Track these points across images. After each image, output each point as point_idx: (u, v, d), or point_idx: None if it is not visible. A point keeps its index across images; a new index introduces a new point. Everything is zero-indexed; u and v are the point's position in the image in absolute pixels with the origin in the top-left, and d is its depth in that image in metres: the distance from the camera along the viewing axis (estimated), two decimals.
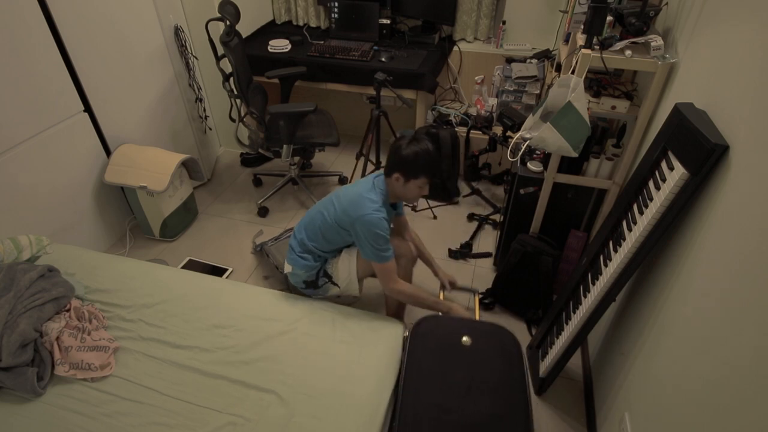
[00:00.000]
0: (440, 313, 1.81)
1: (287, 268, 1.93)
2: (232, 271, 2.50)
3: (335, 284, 1.89)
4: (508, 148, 2.05)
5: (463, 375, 1.49)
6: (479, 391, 1.45)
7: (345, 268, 1.86)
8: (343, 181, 3.18)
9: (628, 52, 1.65)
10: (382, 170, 1.81)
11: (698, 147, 1.20)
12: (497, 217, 2.83)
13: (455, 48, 3.09)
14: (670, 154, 1.36)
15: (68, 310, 1.67)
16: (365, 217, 1.67)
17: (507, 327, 1.65)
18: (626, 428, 1.44)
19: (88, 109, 2.33)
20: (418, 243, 2.09)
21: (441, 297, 2.07)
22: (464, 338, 1.58)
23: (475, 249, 2.63)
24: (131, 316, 1.74)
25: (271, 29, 3.34)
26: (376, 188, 1.75)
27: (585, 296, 1.67)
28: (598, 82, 1.91)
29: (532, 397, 1.92)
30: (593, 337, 2.02)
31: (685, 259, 1.28)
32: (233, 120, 2.77)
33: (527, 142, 1.79)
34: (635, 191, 1.53)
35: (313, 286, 1.90)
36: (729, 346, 1.01)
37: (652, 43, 1.62)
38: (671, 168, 1.33)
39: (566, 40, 2.21)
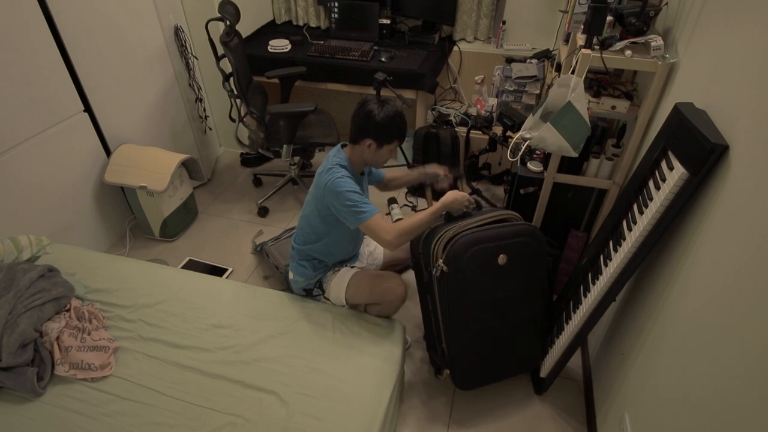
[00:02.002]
0: (444, 214, 1.70)
1: (290, 275, 1.92)
2: (232, 271, 2.50)
3: (326, 299, 1.87)
4: (508, 148, 2.05)
5: (500, 294, 1.65)
6: (518, 303, 1.69)
7: (336, 288, 1.82)
8: None
9: (628, 52, 1.65)
10: (338, 146, 1.77)
11: (698, 147, 1.20)
12: None
13: (455, 48, 3.09)
14: (670, 154, 1.36)
15: (68, 310, 1.67)
16: (327, 185, 1.64)
17: None
18: (626, 428, 1.44)
19: (88, 109, 2.33)
20: (393, 177, 2.01)
21: (429, 196, 1.99)
22: (500, 257, 1.59)
23: None
24: (131, 316, 1.73)
25: (271, 29, 3.34)
26: (333, 161, 1.70)
27: (585, 296, 1.67)
28: (598, 82, 1.91)
29: (534, 397, 1.93)
30: (593, 337, 2.02)
31: (685, 259, 1.28)
32: (233, 120, 2.77)
33: (527, 142, 1.79)
34: (635, 191, 1.53)
35: (309, 295, 1.90)
36: (729, 346, 1.01)
37: (652, 43, 1.62)
38: (671, 168, 1.33)
39: (566, 40, 2.21)
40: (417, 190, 3.00)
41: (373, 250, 2.07)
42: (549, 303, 1.82)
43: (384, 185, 2.03)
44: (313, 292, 1.88)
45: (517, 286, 1.67)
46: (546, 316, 1.80)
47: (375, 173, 1.97)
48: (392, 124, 1.65)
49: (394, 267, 2.11)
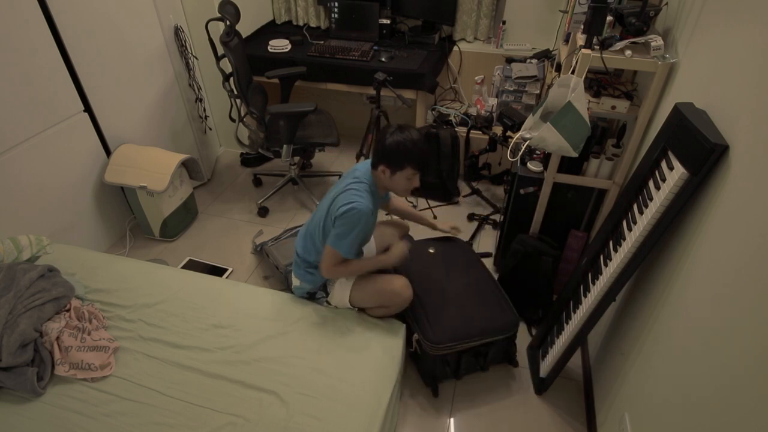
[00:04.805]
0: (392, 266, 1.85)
1: (295, 282, 1.89)
2: (232, 271, 2.50)
3: (329, 303, 1.86)
4: (508, 148, 2.05)
5: (439, 271, 2.01)
6: (455, 274, 2.00)
7: (340, 292, 1.80)
8: None
9: (628, 52, 1.65)
10: (368, 163, 1.75)
11: (698, 147, 1.20)
12: (497, 217, 2.83)
13: (455, 48, 3.09)
14: (670, 154, 1.36)
15: (68, 310, 1.67)
16: (352, 208, 1.59)
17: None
18: (626, 428, 1.44)
19: (88, 109, 2.33)
20: (404, 209, 2.08)
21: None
22: (430, 249, 2.11)
23: (475, 249, 2.63)
24: (131, 316, 1.73)
25: (271, 29, 3.34)
26: (362, 180, 1.69)
27: (585, 296, 1.67)
28: (598, 82, 1.91)
29: (530, 394, 1.93)
30: (593, 337, 2.02)
31: (685, 258, 1.28)
32: (233, 120, 2.77)
33: (527, 142, 1.79)
34: (635, 191, 1.53)
35: (312, 298, 1.89)
36: (729, 345, 1.01)
37: (652, 43, 1.62)
38: (671, 168, 1.33)
39: (566, 40, 2.21)
40: (417, 190, 3.00)
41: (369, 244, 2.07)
42: (504, 282, 2.19)
43: (387, 207, 2.06)
44: (317, 295, 1.88)
45: (449, 265, 2.04)
46: (498, 288, 1.97)
47: (388, 196, 2.00)
48: (401, 149, 1.59)
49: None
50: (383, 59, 2.83)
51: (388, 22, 3.09)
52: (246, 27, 3.13)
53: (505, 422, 1.83)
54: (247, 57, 2.72)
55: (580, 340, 1.67)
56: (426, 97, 2.96)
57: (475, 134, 2.90)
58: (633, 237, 1.44)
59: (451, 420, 1.84)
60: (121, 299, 1.80)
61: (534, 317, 2.22)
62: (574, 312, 1.71)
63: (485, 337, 1.81)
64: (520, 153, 2.12)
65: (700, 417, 1.07)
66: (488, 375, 1.99)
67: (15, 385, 1.46)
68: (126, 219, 2.73)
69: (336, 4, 3.07)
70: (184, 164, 2.66)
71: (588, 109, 1.70)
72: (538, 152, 2.18)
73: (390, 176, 1.65)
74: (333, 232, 1.65)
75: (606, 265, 1.57)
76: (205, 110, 3.11)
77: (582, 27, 1.81)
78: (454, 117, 3.05)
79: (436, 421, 1.83)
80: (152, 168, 2.46)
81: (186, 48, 2.81)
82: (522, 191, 2.14)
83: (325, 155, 3.50)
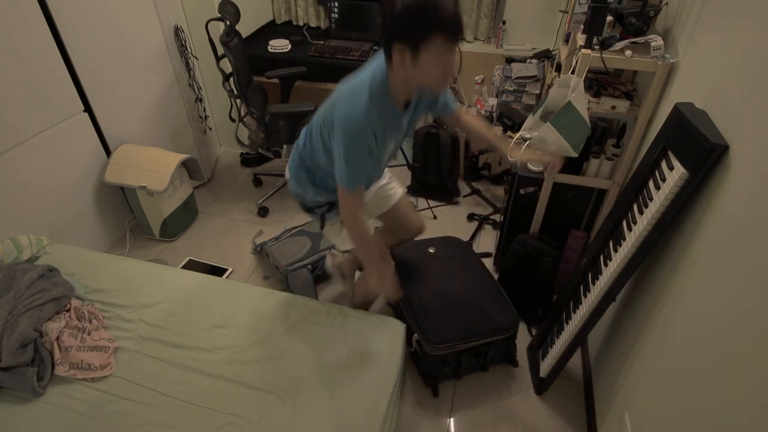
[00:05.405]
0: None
1: (287, 173, 1.75)
2: (232, 271, 2.50)
3: (322, 226, 1.70)
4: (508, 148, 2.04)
5: (439, 271, 2.03)
6: (455, 274, 2.01)
7: (334, 233, 1.70)
8: None
9: (628, 52, 1.65)
10: (381, 60, 1.28)
11: (698, 147, 1.20)
12: (497, 217, 2.83)
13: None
14: (670, 154, 1.36)
15: (68, 310, 1.67)
16: (348, 117, 1.24)
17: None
18: (626, 428, 1.44)
19: (88, 109, 2.33)
20: (474, 125, 1.66)
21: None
22: (430, 249, 2.11)
23: (475, 249, 2.63)
24: (131, 316, 1.73)
25: (271, 29, 3.34)
26: (375, 81, 1.28)
27: (585, 296, 1.67)
28: (598, 82, 1.91)
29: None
30: (593, 337, 2.02)
31: (684, 258, 1.29)
32: (233, 120, 2.77)
33: (527, 142, 1.79)
34: (635, 191, 1.53)
35: (308, 210, 1.73)
36: (728, 345, 1.01)
37: (652, 43, 1.62)
38: (671, 168, 1.33)
39: (566, 40, 2.21)
40: (417, 190, 3.00)
41: (385, 184, 1.83)
42: (502, 281, 2.22)
43: (455, 121, 1.59)
44: (314, 211, 1.68)
45: (449, 265, 2.05)
46: (498, 288, 1.98)
47: (441, 100, 1.48)
48: (422, 9, 1.09)
49: (401, 234, 2.02)
50: None
51: None
52: (246, 27, 3.13)
53: (505, 422, 1.83)
54: (247, 57, 2.72)
55: (580, 340, 1.67)
56: None
57: None
58: (633, 237, 1.44)
59: (451, 420, 1.84)
60: (121, 299, 1.80)
61: (534, 317, 2.22)
62: (574, 312, 1.71)
63: (485, 337, 1.81)
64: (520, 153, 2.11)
65: (700, 417, 1.07)
66: (488, 375, 1.99)
67: (15, 385, 1.45)
68: (126, 219, 2.73)
69: (336, 4, 3.07)
70: (184, 164, 2.66)
71: (588, 109, 1.70)
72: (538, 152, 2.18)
73: (412, 61, 1.16)
74: (340, 162, 1.32)
75: (606, 265, 1.57)
76: (205, 110, 3.11)
77: (582, 27, 1.81)
78: None
79: (436, 421, 1.83)
80: (152, 168, 2.46)
81: (186, 48, 2.81)
82: (522, 191, 2.14)
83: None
